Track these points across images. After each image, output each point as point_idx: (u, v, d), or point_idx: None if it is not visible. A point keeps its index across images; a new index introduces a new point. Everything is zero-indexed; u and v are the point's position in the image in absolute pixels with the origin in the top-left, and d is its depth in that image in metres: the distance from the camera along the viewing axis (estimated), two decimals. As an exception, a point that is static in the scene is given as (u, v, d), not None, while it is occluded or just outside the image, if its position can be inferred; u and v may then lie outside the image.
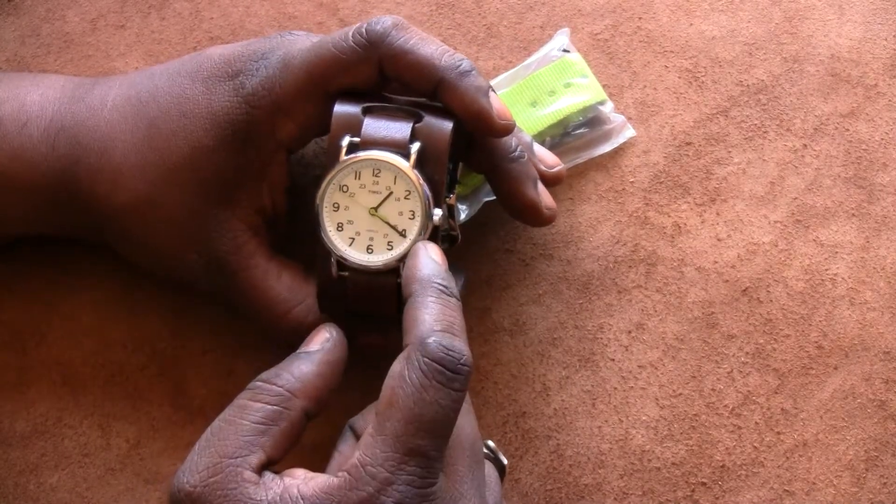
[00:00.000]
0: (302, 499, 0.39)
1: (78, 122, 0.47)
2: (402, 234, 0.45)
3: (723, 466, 0.51)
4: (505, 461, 0.46)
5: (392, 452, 0.39)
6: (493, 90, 0.46)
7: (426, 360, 0.39)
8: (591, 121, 0.54)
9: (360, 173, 0.45)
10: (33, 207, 0.48)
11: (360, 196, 0.45)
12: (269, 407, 0.41)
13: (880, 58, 0.57)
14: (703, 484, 0.51)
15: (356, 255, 0.45)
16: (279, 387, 0.42)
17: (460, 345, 0.40)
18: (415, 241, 0.44)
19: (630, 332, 0.53)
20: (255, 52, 0.47)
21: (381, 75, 0.45)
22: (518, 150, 0.48)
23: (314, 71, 0.45)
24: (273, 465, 0.41)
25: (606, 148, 0.55)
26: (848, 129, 0.56)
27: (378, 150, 0.44)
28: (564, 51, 0.55)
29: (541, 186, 0.49)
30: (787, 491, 0.50)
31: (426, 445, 0.39)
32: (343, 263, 0.45)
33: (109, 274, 0.53)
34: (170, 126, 0.46)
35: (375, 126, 0.45)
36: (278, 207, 0.48)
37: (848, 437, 0.51)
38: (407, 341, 0.41)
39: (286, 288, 0.47)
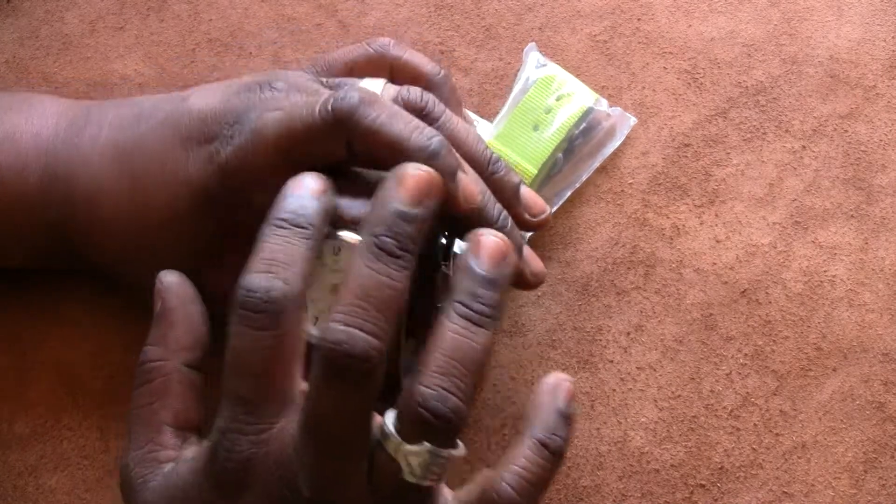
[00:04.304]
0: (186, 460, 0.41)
1: (70, 173, 0.47)
2: None
3: (721, 468, 0.51)
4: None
5: (223, 400, 0.40)
6: (463, 170, 0.45)
7: (236, 308, 0.39)
8: (591, 123, 0.54)
9: (322, 251, 0.43)
10: (32, 249, 0.49)
11: (323, 275, 0.43)
12: (151, 385, 0.42)
13: (879, 59, 0.57)
14: (702, 486, 0.51)
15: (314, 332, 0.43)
16: (146, 362, 0.43)
17: (265, 281, 0.39)
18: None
19: (629, 333, 0.53)
20: (231, 112, 0.46)
21: (349, 150, 0.44)
22: (501, 218, 0.47)
23: (283, 145, 0.44)
24: (193, 428, 0.43)
25: (616, 143, 0.55)
26: (847, 131, 0.56)
27: (342, 231, 0.43)
28: (542, 65, 0.55)
29: (527, 251, 0.49)
30: (786, 493, 0.51)
31: (241, 388, 0.39)
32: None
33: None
34: (151, 181, 0.46)
35: (339, 204, 0.44)
36: None
37: (847, 439, 0.51)
38: None
39: None
